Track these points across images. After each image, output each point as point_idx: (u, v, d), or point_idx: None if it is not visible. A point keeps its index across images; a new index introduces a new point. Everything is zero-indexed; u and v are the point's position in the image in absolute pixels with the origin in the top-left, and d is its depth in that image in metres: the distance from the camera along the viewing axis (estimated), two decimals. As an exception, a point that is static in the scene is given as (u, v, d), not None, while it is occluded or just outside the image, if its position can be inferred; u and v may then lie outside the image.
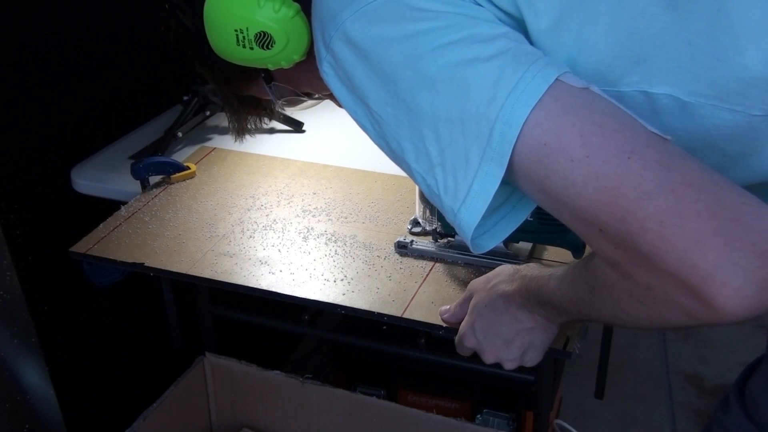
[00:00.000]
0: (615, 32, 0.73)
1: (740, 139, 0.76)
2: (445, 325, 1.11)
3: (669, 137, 0.68)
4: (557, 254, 1.25)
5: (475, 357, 1.05)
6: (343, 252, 1.29)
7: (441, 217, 1.23)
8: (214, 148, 1.65)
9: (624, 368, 2.34)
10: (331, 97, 0.98)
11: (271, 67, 0.98)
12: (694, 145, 0.73)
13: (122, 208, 1.42)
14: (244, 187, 1.49)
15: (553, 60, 0.73)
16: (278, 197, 1.45)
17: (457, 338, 1.07)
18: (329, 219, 1.38)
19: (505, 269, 1.03)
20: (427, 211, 1.25)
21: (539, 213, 1.11)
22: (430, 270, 1.23)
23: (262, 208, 1.42)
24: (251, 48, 0.95)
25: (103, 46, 1.67)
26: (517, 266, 1.02)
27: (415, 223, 1.32)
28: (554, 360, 1.23)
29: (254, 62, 0.97)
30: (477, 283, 1.07)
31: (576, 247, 1.18)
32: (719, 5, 0.70)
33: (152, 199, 1.45)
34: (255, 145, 1.62)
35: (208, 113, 1.77)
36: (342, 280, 1.21)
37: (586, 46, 0.75)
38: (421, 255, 1.26)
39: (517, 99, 0.69)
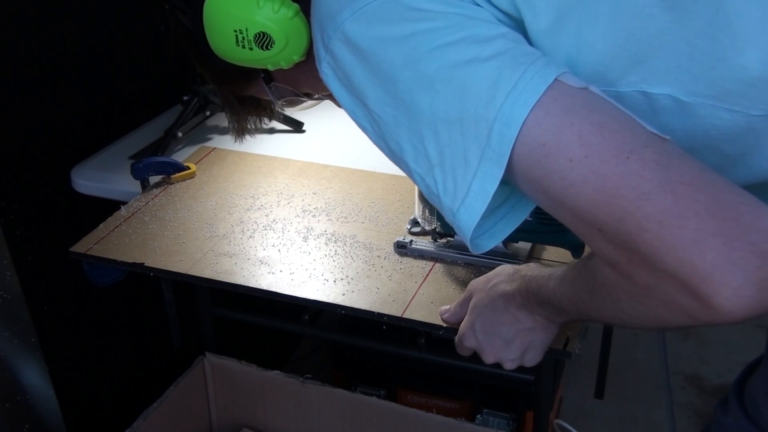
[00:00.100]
0: (614, 32, 0.73)
1: (739, 139, 0.76)
2: (445, 325, 1.11)
3: (668, 137, 0.68)
4: (557, 254, 1.25)
5: (475, 357, 1.05)
6: (343, 252, 1.29)
7: (440, 217, 1.23)
8: (214, 148, 1.65)
9: (624, 368, 2.34)
10: (331, 97, 0.98)
11: (270, 68, 0.98)
12: (693, 145, 0.73)
13: (122, 208, 1.42)
14: (244, 187, 1.49)
15: (552, 60, 0.73)
16: (278, 197, 1.46)
17: (457, 338, 1.07)
18: (329, 219, 1.38)
19: (504, 269, 1.04)
20: (427, 210, 1.25)
21: (539, 213, 1.11)
22: (430, 270, 1.23)
23: (262, 208, 1.42)
24: (251, 48, 0.95)
25: (103, 47, 1.67)
26: (517, 266, 1.02)
27: (415, 222, 1.32)
28: (554, 360, 1.23)
29: (254, 63, 0.97)
30: (477, 283, 1.07)
31: (575, 247, 1.18)
32: (718, 5, 0.70)
33: (152, 199, 1.45)
34: (255, 145, 1.62)
35: (208, 113, 1.77)
36: (342, 280, 1.21)
37: (584, 47, 0.75)
38: (420, 255, 1.26)
39: (516, 99, 0.69)
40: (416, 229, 1.32)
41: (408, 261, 1.26)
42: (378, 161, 1.49)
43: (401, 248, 1.27)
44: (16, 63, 1.47)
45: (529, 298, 0.95)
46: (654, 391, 2.27)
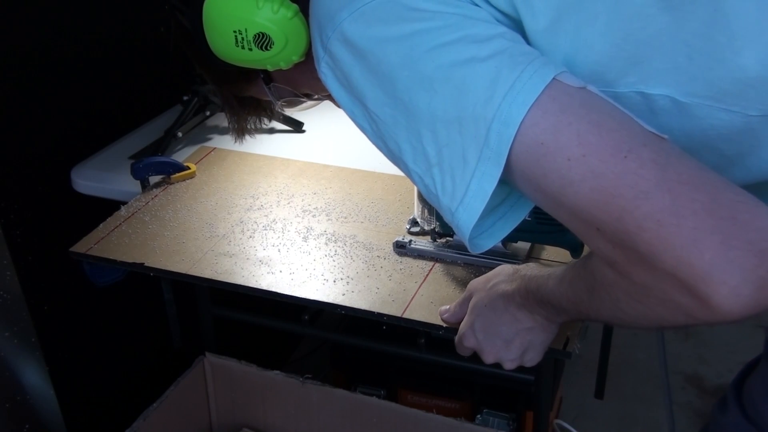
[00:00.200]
0: (612, 33, 0.74)
1: (737, 140, 0.76)
2: (444, 325, 1.11)
3: (666, 136, 0.68)
4: (556, 254, 1.25)
5: (475, 357, 1.06)
6: (343, 252, 1.29)
7: (439, 217, 1.23)
8: (214, 148, 1.65)
9: (624, 368, 2.34)
10: (330, 97, 0.98)
11: (270, 68, 0.98)
12: (691, 146, 0.73)
13: (122, 208, 1.42)
14: (244, 187, 1.49)
15: (550, 60, 0.73)
16: (278, 197, 1.46)
17: (456, 338, 1.07)
18: (329, 219, 1.38)
19: (504, 269, 1.04)
20: (426, 210, 1.25)
21: (537, 212, 1.11)
22: (430, 270, 1.23)
23: (262, 208, 1.42)
24: (250, 49, 0.95)
25: (103, 46, 1.67)
26: (517, 266, 1.02)
27: (414, 222, 1.33)
28: (554, 360, 1.23)
29: (253, 63, 0.97)
30: (476, 283, 1.07)
31: (574, 246, 1.18)
32: (715, 6, 0.70)
33: (152, 199, 1.45)
34: (255, 145, 1.62)
35: (208, 113, 1.77)
36: (342, 280, 1.22)
37: (583, 47, 0.75)
38: (419, 255, 1.26)
39: (514, 98, 0.69)
40: (415, 229, 1.32)
41: (408, 261, 1.26)
42: (378, 161, 1.49)
43: (400, 248, 1.27)
44: (16, 63, 1.48)
45: (529, 297, 0.95)
46: (654, 391, 2.27)
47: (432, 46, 0.73)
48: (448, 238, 1.26)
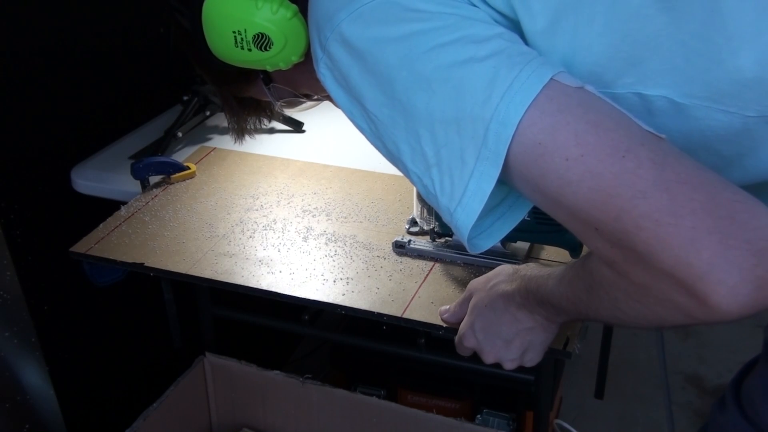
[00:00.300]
0: (609, 34, 0.74)
1: (735, 140, 0.76)
2: (444, 325, 1.11)
3: (663, 136, 0.68)
4: (555, 254, 1.25)
5: (475, 357, 1.06)
6: (343, 252, 1.29)
7: (438, 217, 1.23)
8: (214, 148, 1.65)
9: (624, 368, 2.33)
10: (330, 98, 0.98)
11: (269, 69, 0.98)
12: (689, 147, 0.73)
13: (122, 208, 1.42)
14: (244, 187, 1.49)
15: (548, 60, 0.73)
16: (278, 197, 1.46)
17: (456, 338, 1.07)
18: (329, 219, 1.38)
19: (504, 269, 1.04)
20: (425, 210, 1.25)
21: (536, 212, 1.11)
22: (430, 270, 1.23)
23: (262, 208, 1.42)
24: (249, 50, 0.95)
25: (103, 47, 1.68)
26: (517, 266, 1.02)
27: (413, 222, 1.33)
28: (554, 360, 1.23)
29: (253, 64, 0.97)
30: (476, 283, 1.07)
31: (573, 246, 1.18)
32: (713, 7, 0.70)
33: (152, 199, 1.45)
34: (255, 145, 1.62)
35: (208, 113, 1.78)
36: (342, 280, 1.22)
37: (580, 48, 0.75)
38: (419, 255, 1.26)
39: (512, 99, 0.69)
40: (414, 229, 1.32)
41: (408, 261, 1.26)
42: (378, 161, 1.48)
43: (399, 248, 1.27)
44: (16, 63, 1.48)
45: (529, 297, 0.95)
46: (654, 391, 2.27)
47: (430, 47, 0.73)
48: (447, 238, 1.26)
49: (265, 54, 0.95)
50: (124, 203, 1.44)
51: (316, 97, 1.06)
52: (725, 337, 2.47)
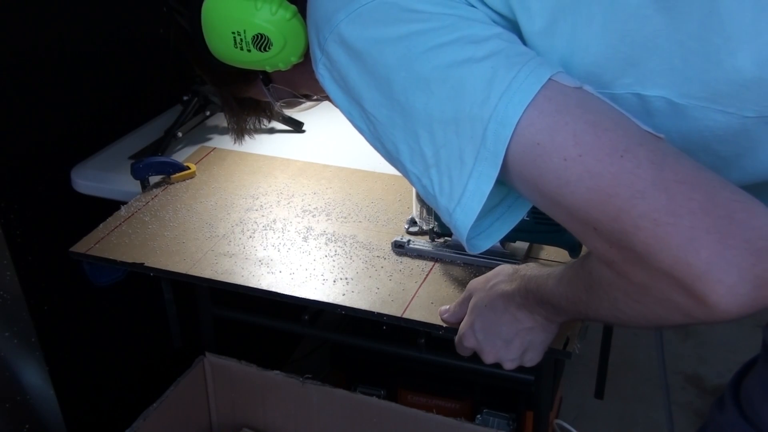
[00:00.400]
0: (607, 34, 0.74)
1: (733, 141, 0.76)
2: (444, 325, 1.11)
3: (662, 135, 0.68)
4: (554, 254, 1.25)
5: (475, 357, 1.06)
6: (343, 252, 1.29)
7: (437, 217, 1.23)
8: (214, 148, 1.65)
9: (624, 368, 2.34)
10: (329, 98, 0.98)
11: (268, 69, 0.98)
12: (688, 147, 0.73)
13: (122, 208, 1.42)
14: (244, 187, 1.49)
15: (547, 60, 0.73)
16: (278, 197, 1.46)
17: (456, 338, 1.07)
18: (329, 219, 1.38)
19: (504, 269, 1.04)
20: (424, 210, 1.25)
21: (536, 212, 1.11)
22: (430, 270, 1.23)
23: (262, 208, 1.42)
24: (249, 50, 0.95)
25: (103, 46, 1.68)
26: (517, 266, 1.02)
27: (413, 222, 1.33)
28: (554, 360, 1.23)
29: (252, 64, 0.97)
30: (476, 283, 1.07)
31: (573, 246, 1.18)
32: (711, 7, 0.70)
33: (152, 199, 1.45)
34: (255, 145, 1.62)
35: (208, 113, 1.78)
36: (342, 280, 1.22)
37: (579, 48, 0.75)
38: (418, 255, 1.26)
39: (511, 99, 0.69)
40: (414, 229, 1.32)
41: (408, 261, 1.26)
42: (378, 161, 1.47)
43: (399, 248, 1.27)
44: (16, 63, 1.48)
45: (529, 297, 0.95)
46: (654, 391, 2.27)
47: (428, 47, 0.73)
48: (446, 238, 1.26)
49: (265, 55, 0.95)
50: (124, 203, 1.44)
51: (315, 97, 1.06)
52: (725, 337, 2.47)
